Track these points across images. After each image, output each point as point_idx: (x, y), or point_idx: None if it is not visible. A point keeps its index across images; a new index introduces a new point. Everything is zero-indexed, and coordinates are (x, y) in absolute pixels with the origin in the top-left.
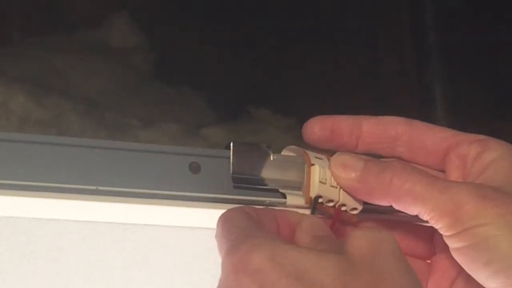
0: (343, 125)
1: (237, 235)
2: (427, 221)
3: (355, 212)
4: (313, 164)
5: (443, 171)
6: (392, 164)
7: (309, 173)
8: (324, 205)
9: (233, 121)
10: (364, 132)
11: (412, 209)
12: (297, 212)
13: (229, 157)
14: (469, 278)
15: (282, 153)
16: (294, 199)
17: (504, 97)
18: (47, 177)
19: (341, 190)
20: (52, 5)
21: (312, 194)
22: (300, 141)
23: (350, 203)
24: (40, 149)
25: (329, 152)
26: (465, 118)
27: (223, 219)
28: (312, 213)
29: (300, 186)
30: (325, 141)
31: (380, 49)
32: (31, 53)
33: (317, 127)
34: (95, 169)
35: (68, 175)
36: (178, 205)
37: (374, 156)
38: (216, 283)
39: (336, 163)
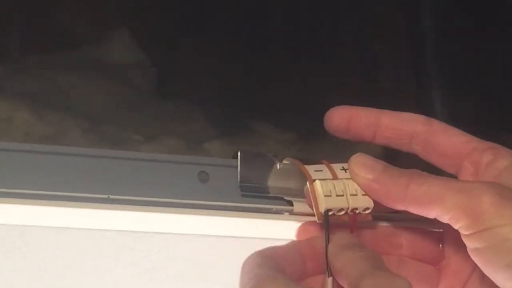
0: (362, 116)
1: (251, 285)
2: (438, 227)
3: (368, 211)
4: (314, 180)
5: (456, 174)
6: (410, 170)
7: (312, 190)
8: (336, 215)
9: (235, 136)
10: (383, 126)
11: (429, 212)
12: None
13: (237, 166)
14: (480, 282)
15: None
16: (301, 206)
17: (504, 109)
18: (60, 187)
19: (349, 195)
20: (53, 23)
21: (322, 209)
22: (301, 155)
23: (361, 204)
24: (53, 159)
25: (329, 155)
26: (464, 130)
27: (242, 266)
28: (326, 226)
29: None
30: (343, 131)
31: (378, 63)
32: (34, 70)
33: (336, 117)
34: (106, 179)
35: (80, 184)
36: (187, 213)
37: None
38: None
39: (356, 162)
